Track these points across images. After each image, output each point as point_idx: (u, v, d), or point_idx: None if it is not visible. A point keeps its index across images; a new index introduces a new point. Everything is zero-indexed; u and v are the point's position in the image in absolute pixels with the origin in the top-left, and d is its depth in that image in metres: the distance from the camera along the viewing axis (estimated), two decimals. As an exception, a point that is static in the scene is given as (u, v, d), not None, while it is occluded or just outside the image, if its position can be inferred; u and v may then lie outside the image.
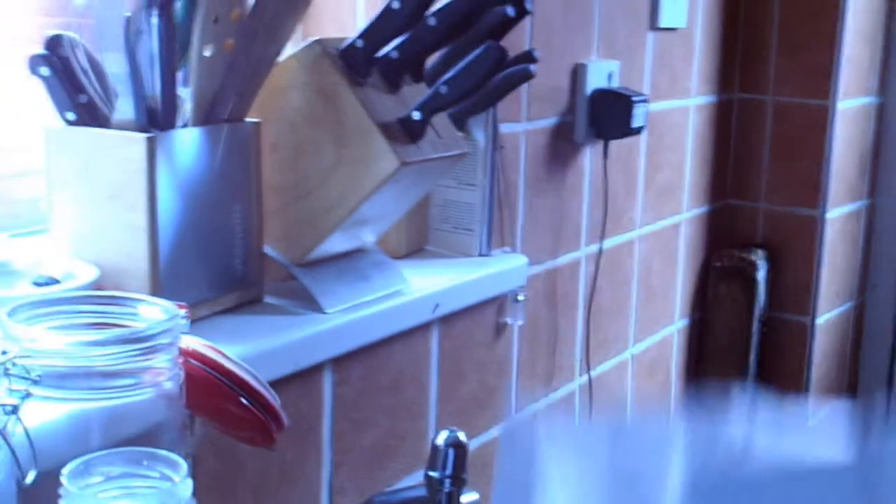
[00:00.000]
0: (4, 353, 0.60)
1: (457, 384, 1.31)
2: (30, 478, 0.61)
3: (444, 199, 1.30)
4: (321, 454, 1.10)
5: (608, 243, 1.66)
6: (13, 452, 0.60)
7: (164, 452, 0.44)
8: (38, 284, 0.88)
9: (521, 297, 1.39)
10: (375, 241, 1.14)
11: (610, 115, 1.54)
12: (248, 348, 0.89)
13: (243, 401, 0.75)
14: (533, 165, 1.47)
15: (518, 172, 1.44)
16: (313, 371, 1.05)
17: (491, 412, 1.38)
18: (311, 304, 1.02)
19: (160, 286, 0.88)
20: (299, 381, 1.02)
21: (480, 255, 1.31)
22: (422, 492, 0.91)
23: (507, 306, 1.40)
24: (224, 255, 0.96)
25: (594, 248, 1.63)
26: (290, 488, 1.07)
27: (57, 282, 0.88)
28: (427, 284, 1.17)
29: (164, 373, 0.69)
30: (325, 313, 1.02)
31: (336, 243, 1.06)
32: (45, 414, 0.66)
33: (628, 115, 1.54)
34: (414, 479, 1.25)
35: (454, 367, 1.30)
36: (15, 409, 0.60)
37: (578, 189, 1.58)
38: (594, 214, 1.61)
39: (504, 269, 1.32)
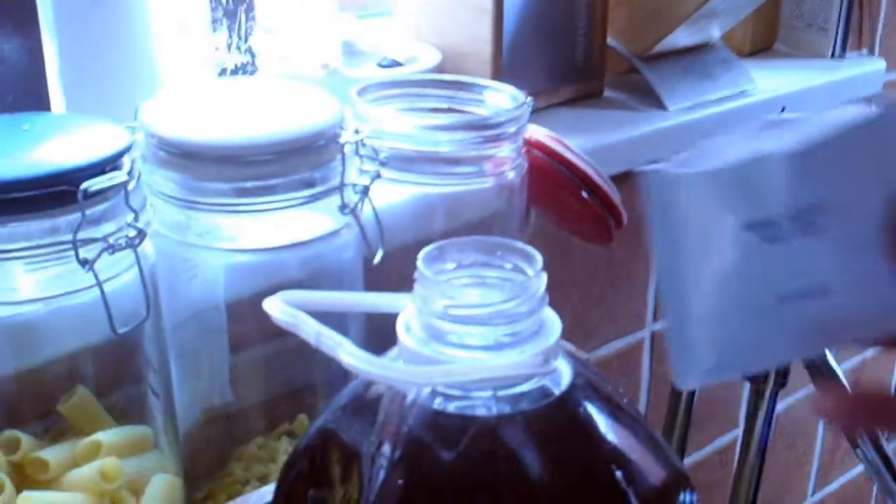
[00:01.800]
0: (357, 131, 0.60)
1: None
2: (377, 257, 0.62)
3: (801, -7, 1.19)
4: (650, 254, 1.07)
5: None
6: (363, 231, 0.60)
7: (518, 244, 0.41)
8: (382, 67, 0.87)
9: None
10: (720, 36, 1.06)
11: None
12: (586, 142, 0.86)
13: (585, 195, 0.72)
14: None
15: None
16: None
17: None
18: (652, 100, 0.97)
19: (502, 72, 0.86)
20: (635, 178, 0.98)
21: (833, 56, 1.20)
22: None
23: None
24: (566, 44, 0.92)
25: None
26: (616, 286, 1.05)
27: (400, 65, 0.87)
28: (774, 86, 1.08)
29: (507, 162, 0.67)
30: (666, 110, 0.96)
31: (682, 37, 0.99)
32: (391, 195, 0.66)
33: None
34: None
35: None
36: (366, 190, 0.60)
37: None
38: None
39: (859, 73, 1.21)
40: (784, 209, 0.37)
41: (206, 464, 0.65)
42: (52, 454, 0.56)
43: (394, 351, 0.43)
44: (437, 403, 0.41)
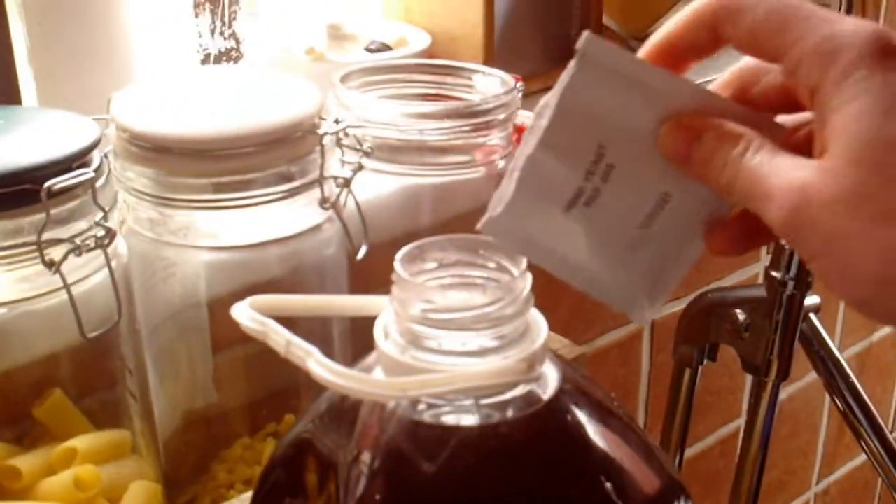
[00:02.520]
0: (338, 121, 0.57)
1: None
2: (361, 253, 0.59)
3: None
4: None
5: None
6: (344, 226, 0.58)
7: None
8: (369, 51, 0.85)
9: None
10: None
11: None
12: (582, 127, 0.83)
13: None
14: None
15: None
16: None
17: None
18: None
19: (494, 56, 0.83)
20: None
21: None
22: (760, 291, 0.84)
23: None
24: (560, 24, 0.90)
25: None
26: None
27: (389, 49, 0.85)
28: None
29: (497, 150, 0.65)
30: (664, 92, 0.94)
31: (679, 16, 0.97)
32: (376, 187, 0.64)
33: None
34: (744, 276, 1.18)
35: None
36: (347, 182, 0.57)
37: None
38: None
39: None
40: (579, 175, 0.38)
41: (188, 468, 0.63)
42: (26, 462, 0.54)
43: (373, 356, 0.41)
44: (418, 412, 0.39)
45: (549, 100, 0.38)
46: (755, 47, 0.36)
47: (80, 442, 0.55)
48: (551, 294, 0.40)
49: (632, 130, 0.38)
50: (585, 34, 0.37)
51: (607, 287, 0.42)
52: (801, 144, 0.37)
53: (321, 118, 0.57)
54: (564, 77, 0.37)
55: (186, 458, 0.63)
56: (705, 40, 0.37)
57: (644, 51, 0.39)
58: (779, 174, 0.34)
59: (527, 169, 0.38)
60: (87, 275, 0.52)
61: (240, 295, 0.42)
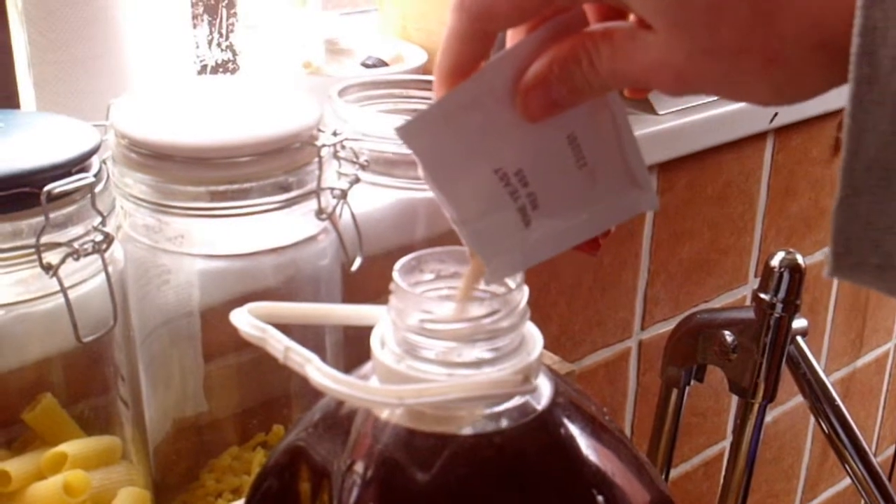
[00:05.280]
0: (336, 133, 0.58)
1: (787, 201, 1.21)
2: (355, 264, 0.60)
3: None
4: (639, 262, 1.05)
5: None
6: (340, 237, 0.58)
7: (498, 254, 0.39)
8: (366, 66, 0.86)
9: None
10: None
11: None
12: (575, 147, 0.84)
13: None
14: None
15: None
16: (638, 175, 0.98)
17: (821, 234, 1.28)
18: (642, 103, 0.95)
19: (488, 75, 0.84)
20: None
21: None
22: (749, 314, 0.85)
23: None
24: (555, 45, 0.91)
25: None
26: (604, 294, 1.03)
27: (385, 64, 0.85)
28: (767, 91, 1.07)
29: (492, 167, 0.65)
30: (656, 114, 0.95)
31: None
32: (372, 200, 0.64)
33: None
34: (732, 297, 1.18)
35: (786, 183, 1.20)
36: (344, 194, 0.58)
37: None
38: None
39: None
40: (509, 203, 0.39)
41: (177, 475, 0.63)
42: (15, 466, 0.54)
43: (368, 365, 0.41)
44: (412, 421, 0.39)
45: (429, 186, 0.38)
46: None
47: (71, 447, 0.55)
48: (541, 311, 0.41)
49: (501, 136, 0.38)
50: (396, 129, 0.37)
51: (612, 212, 0.41)
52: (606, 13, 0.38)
53: (320, 130, 0.57)
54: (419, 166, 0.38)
55: (176, 466, 0.63)
56: (479, 48, 0.37)
57: (439, 86, 0.39)
58: (635, 60, 0.35)
59: (472, 240, 0.39)
60: (83, 280, 0.52)
61: (234, 303, 0.42)
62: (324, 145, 0.56)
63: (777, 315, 0.83)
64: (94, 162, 0.52)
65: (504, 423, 0.39)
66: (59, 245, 0.49)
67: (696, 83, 0.35)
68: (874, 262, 0.33)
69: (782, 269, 0.82)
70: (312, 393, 0.43)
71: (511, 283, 0.40)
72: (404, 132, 0.37)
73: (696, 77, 0.34)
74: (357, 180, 0.59)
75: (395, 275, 0.39)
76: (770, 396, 0.85)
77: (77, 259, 0.49)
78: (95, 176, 0.50)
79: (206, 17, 0.82)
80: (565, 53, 0.36)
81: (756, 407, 0.86)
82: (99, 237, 0.50)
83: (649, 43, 0.34)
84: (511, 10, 0.36)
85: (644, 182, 0.41)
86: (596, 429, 0.42)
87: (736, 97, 0.35)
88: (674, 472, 1.16)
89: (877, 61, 0.30)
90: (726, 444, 1.25)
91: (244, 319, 0.39)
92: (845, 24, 0.30)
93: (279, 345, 0.38)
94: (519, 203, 0.39)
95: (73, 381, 0.56)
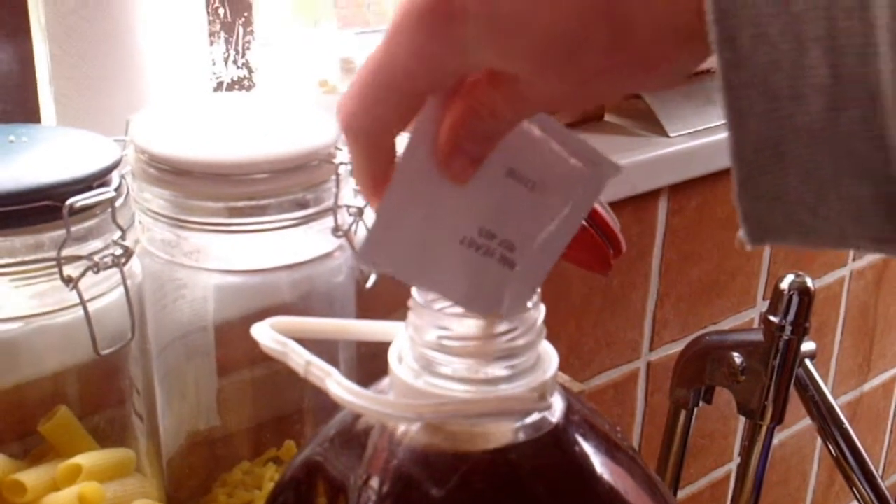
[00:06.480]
0: (353, 152, 0.58)
1: (796, 224, 1.22)
2: (370, 281, 0.60)
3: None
4: (648, 283, 1.06)
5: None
6: (355, 254, 0.59)
7: (514, 275, 0.40)
8: (380, 85, 0.86)
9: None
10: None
11: None
12: (586, 168, 0.85)
13: (583, 223, 0.71)
14: None
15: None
16: (649, 197, 0.99)
17: (829, 257, 1.28)
18: (653, 125, 0.96)
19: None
20: (634, 205, 0.97)
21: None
22: (757, 336, 0.85)
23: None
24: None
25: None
26: (613, 315, 1.03)
27: (399, 83, 0.86)
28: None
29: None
30: (668, 136, 0.95)
31: (685, 62, 0.98)
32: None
33: None
34: (740, 320, 1.19)
35: (795, 206, 1.21)
36: (360, 212, 0.58)
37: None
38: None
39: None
40: (492, 261, 0.39)
41: (189, 489, 0.63)
42: (30, 477, 0.55)
43: (385, 381, 0.41)
44: (427, 437, 0.39)
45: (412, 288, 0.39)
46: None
47: (85, 459, 0.55)
48: (550, 331, 0.41)
49: (448, 211, 0.38)
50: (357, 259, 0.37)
51: (584, 199, 0.41)
52: None
53: (337, 148, 0.58)
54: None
55: (189, 480, 0.63)
56: (385, 156, 0.37)
57: (371, 199, 0.38)
58: (529, 98, 0.35)
59: (474, 310, 0.39)
60: (102, 293, 0.52)
61: (249, 319, 0.42)
62: (341, 163, 0.57)
63: (786, 338, 0.83)
64: (115, 176, 0.52)
65: (520, 439, 0.40)
66: (79, 258, 0.49)
67: (592, 100, 0.36)
68: (795, 232, 0.33)
69: (791, 292, 0.82)
70: (325, 409, 0.43)
71: (528, 302, 0.41)
72: (364, 258, 0.38)
73: (587, 98, 0.35)
74: (373, 198, 0.60)
75: (414, 291, 0.40)
76: (778, 419, 0.85)
77: (97, 272, 0.50)
78: (116, 190, 0.51)
79: (222, 34, 0.83)
80: (463, 114, 0.36)
81: (764, 429, 0.86)
82: (118, 251, 0.51)
83: (533, 82, 0.34)
84: (396, 119, 0.36)
85: (596, 158, 0.40)
86: (609, 447, 0.42)
87: (633, 91, 0.36)
88: (681, 494, 1.16)
89: (739, 45, 0.29)
90: (733, 465, 1.25)
91: (266, 334, 0.39)
92: (700, 11, 0.30)
93: (300, 359, 0.38)
94: (497, 256, 0.39)
95: (89, 394, 0.57)
